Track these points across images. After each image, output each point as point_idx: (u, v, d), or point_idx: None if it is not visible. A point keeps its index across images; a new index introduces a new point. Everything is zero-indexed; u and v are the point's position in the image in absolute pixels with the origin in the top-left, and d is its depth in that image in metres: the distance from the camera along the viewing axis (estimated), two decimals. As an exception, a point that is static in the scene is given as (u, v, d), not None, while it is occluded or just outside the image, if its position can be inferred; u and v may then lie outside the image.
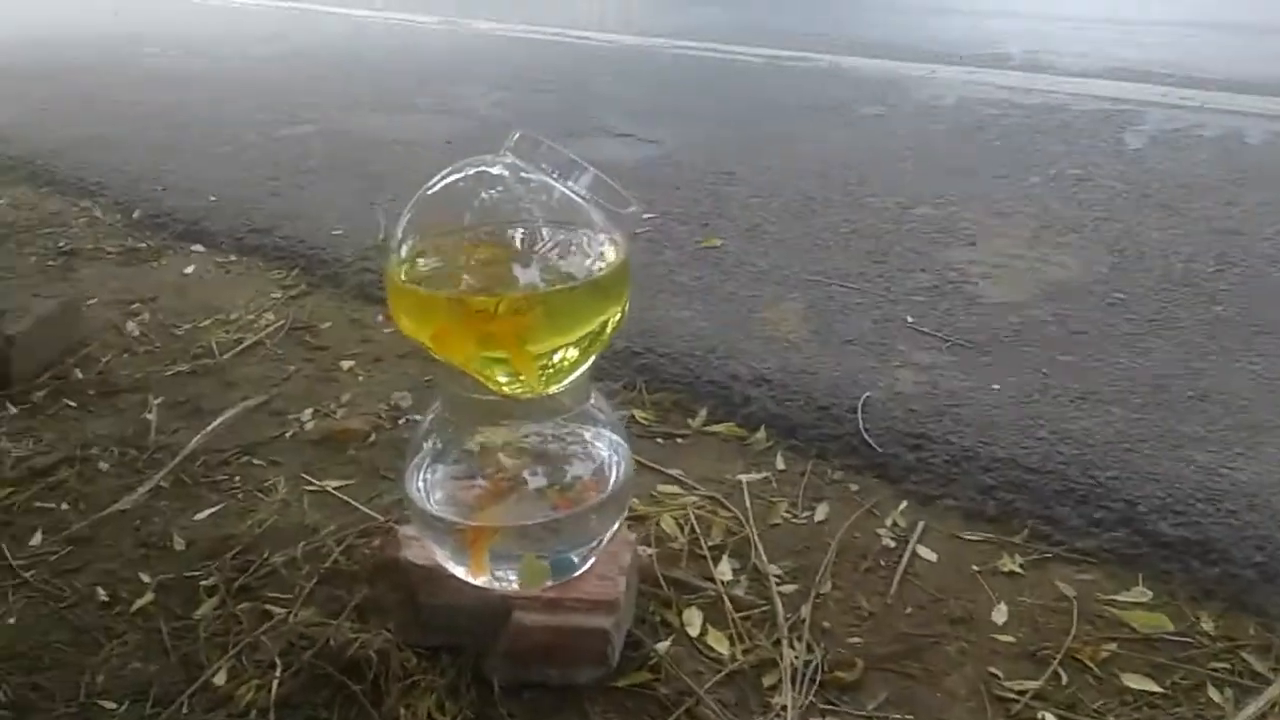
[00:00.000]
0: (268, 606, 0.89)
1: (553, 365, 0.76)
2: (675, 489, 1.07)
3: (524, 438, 0.84)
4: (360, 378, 1.32)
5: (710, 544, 0.98)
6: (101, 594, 0.91)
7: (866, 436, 1.15)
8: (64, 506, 1.05)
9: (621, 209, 0.75)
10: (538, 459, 0.83)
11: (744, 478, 1.09)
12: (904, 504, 1.05)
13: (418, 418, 1.19)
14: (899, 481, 1.09)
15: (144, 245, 1.83)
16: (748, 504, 1.04)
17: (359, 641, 0.79)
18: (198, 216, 1.95)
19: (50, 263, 1.75)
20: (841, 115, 2.70)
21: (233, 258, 1.77)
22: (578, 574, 0.82)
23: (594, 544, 0.82)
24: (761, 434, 1.18)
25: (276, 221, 1.90)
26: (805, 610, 0.88)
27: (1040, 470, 1.08)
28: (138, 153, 2.43)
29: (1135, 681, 0.82)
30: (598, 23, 4.38)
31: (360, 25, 4.62)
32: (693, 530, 0.99)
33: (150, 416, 1.22)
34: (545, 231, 0.76)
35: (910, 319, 1.45)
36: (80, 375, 1.32)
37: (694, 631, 0.86)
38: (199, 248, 1.82)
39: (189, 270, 1.71)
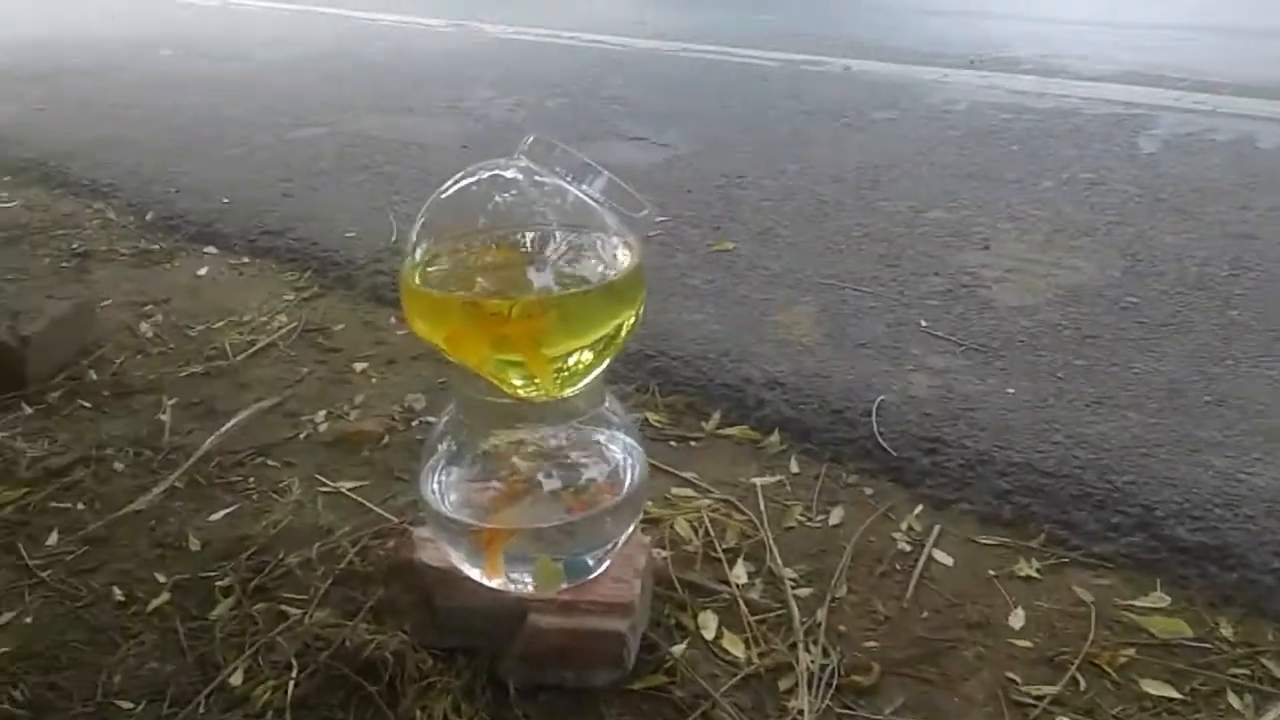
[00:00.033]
0: (283, 607, 0.89)
1: (567, 368, 0.76)
2: (689, 492, 1.07)
3: (538, 440, 0.84)
4: (373, 380, 1.32)
5: (725, 547, 0.97)
6: (118, 594, 0.92)
7: (881, 440, 1.15)
8: (80, 506, 1.05)
9: (635, 212, 0.75)
10: (552, 462, 0.83)
11: (758, 481, 1.09)
12: (919, 508, 1.04)
13: (431, 420, 1.19)
14: (914, 485, 1.08)
15: (157, 247, 1.83)
16: (762, 507, 1.04)
17: (375, 643, 0.79)
18: (210, 218, 1.95)
19: (64, 264, 1.75)
20: (854, 119, 2.69)
21: (245, 260, 1.77)
22: (592, 577, 0.81)
23: (609, 547, 0.82)
24: (775, 437, 1.18)
25: (289, 223, 1.91)
26: (821, 614, 0.88)
27: (1056, 475, 1.08)
28: (150, 155, 2.44)
29: (1154, 687, 0.81)
30: (610, 26, 4.38)
31: (367, 28, 4.63)
32: (707, 533, 0.99)
33: (164, 417, 1.22)
34: (559, 235, 0.76)
35: (924, 323, 1.45)
36: (95, 376, 1.33)
37: (709, 635, 0.86)
38: (212, 249, 1.82)
39: (202, 272, 1.72)
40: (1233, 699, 0.80)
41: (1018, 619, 0.89)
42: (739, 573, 0.94)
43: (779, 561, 0.95)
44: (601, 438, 0.85)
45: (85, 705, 0.80)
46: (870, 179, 2.14)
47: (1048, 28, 4.23)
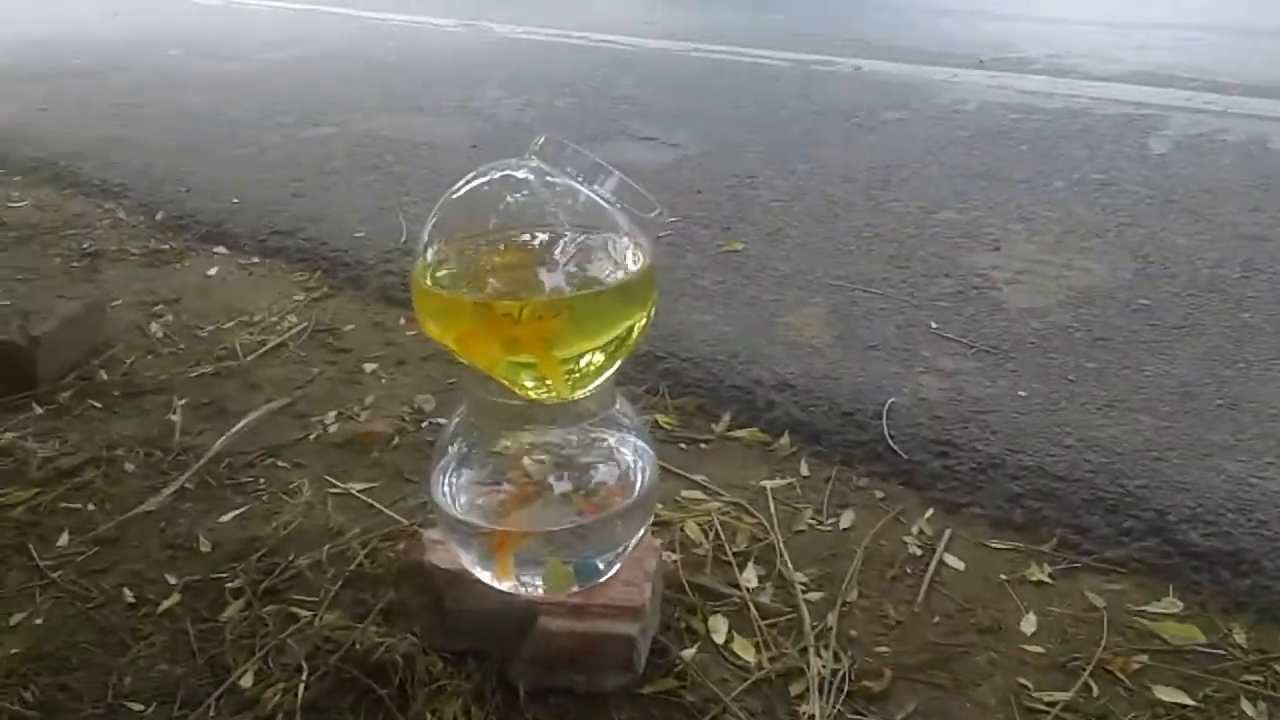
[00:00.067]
0: (293, 609, 0.89)
1: (579, 370, 0.76)
2: (699, 495, 1.07)
3: (549, 443, 0.83)
4: (383, 380, 1.32)
5: (735, 550, 0.97)
6: (128, 595, 0.92)
7: (891, 443, 1.15)
8: (90, 507, 1.05)
9: (646, 213, 0.75)
10: (563, 464, 0.83)
11: (768, 484, 1.08)
12: (930, 511, 1.04)
13: (441, 421, 1.19)
14: (925, 489, 1.08)
15: (167, 247, 1.83)
16: (772, 510, 1.04)
17: (385, 645, 0.79)
18: (220, 218, 1.96)
19: (74, 264, 1.76)
20: (864, 120, 2.69)
21: (255, 260, 1.77)
22: (603, 580, 0.81)
23: (619, 549, 0.81)
24: (785, 440, 1.17)
25: (299, 224, 1.91)
26: (832, 618, 0.88)
27: (1068, 478, 1.07)
28: (159, 154, 2.45)
29: (1167, 694, 0.81)
30: (619, 26, 4.37)
31: (376, 27, 4.63)
32: (717, 536, 0.99)
33: (175, 418, 1.22)
34: (571, 235, 0.76)
35: (934, 324, 1.44)
36: (105, 376, 1.33)
37: (720, 639, 0.85)
38: (222, 249, 1.82)
39: (212, 272, 1.72)
40: (1246, 706, 0.80)
41: (1029, 624, 0.88)
42: (749, 576, 0.94)
43: (789, 565, 0.95)
44: (612, 440, 0.85)
45: (96, 707, 0.80)
46: (880, 179, 2.14)
47: (1055, 28, 4.22)
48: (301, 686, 0.79)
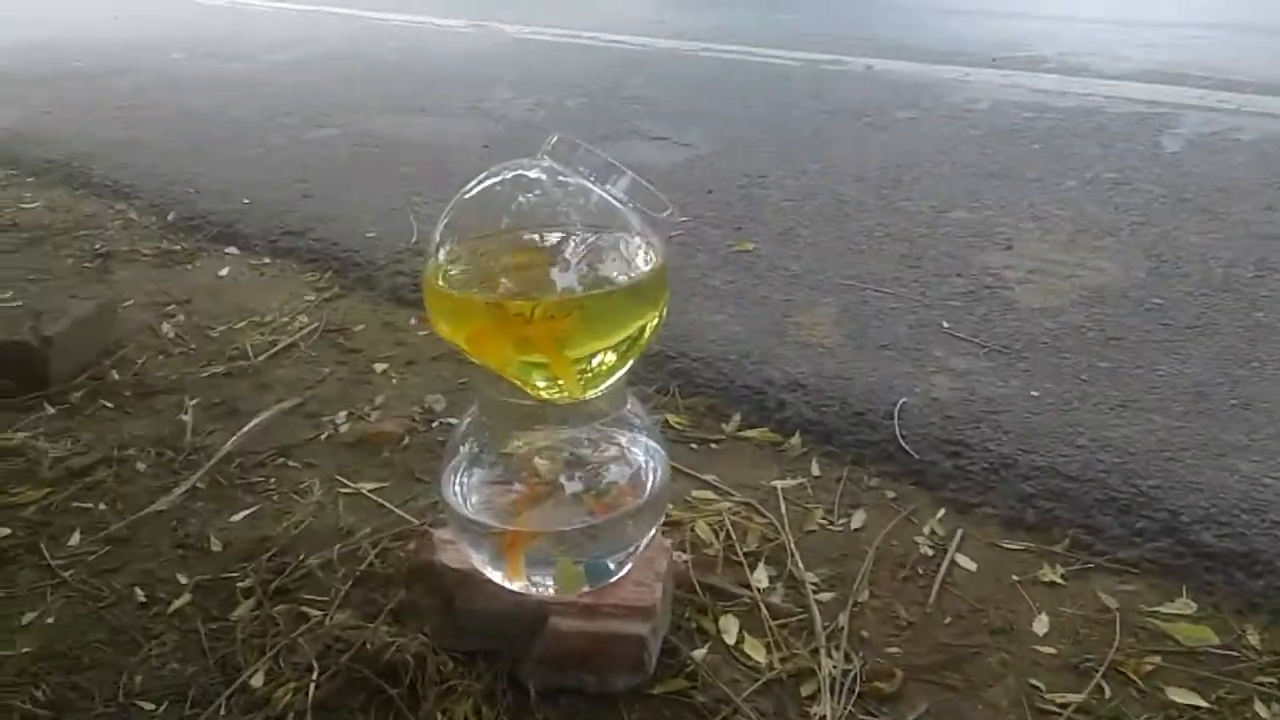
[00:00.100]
0: (304, 609, 0.89)
1: (591, 370, 0.76)
2: (710, 494, 1.06)
3: (560, 442, 0.83)
4: (394, 380, 1.33)
5: (746, 550, 0.97)
6: (139, 594, 0.92)
7: (903, 443, 1.14)
8: (102, 507, 1.06)
9: (658, 212, 0.74)
10: (574, 464, 0.83)
11: (779, 484, 1.08)
12: (942, 512, 1.03)
13: (452, 421, 1.19)
14: (937, 489, 1.07)
15: (179, 247, 1.84)
16: (783, 510, 1.03)
17: (395, 645, 0.79)
18: (231, 219, 1.96)
19: (86, 264, 1.76)
20: (875, 119, 2.68)
21: (266, 260, 1.78)
22: (613, 580, 0.81)
23: (631, 550, 0.81)
24: (796, 440, 1.17)
25: (309, 224, 1.91)
26: (843, 619, 0.87)
27: (1081, 479, 1.07)
28: (169, 156, 2.46)
29: (1180, 695, 0.80)
30: (629, 26, 4.37)
31: (379, 28, 4.64)
32: (728, 536, 0.99)
33: (186, 418, 1.22)
34: (583, 235, 0.76)
35: (946, 324, 1.44)
36: (117, 376, 1.33)
37: (730, 639, 0.85)
38: (233, 250, 1.83)
39: (223, 272, 1.72)
40: (1260, 708, 0.79)
41: (1042, 625, 0.88)
42: (760, 576, 0.93)
43: (800, 565, 0.95)
44: (623, 440, 0.85)
45: (107, 706, 0.80)
46: (892, 179, 2.13)
47: (1064, 26, 4.20)
48: (312, 686, 0.79)
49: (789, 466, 1.13)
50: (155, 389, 1.30)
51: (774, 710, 0.79)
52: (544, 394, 0.76)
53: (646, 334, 0.76)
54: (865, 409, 1.21)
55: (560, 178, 0.75)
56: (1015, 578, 0.94)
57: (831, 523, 1.02)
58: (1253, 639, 0.86)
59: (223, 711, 0.78)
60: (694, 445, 1.17)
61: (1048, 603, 0.90)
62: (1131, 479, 1.06)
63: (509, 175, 0.77)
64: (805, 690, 0.80)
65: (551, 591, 0.80)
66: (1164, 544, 0.97)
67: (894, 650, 0.85)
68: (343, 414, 1.23)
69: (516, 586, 0.80)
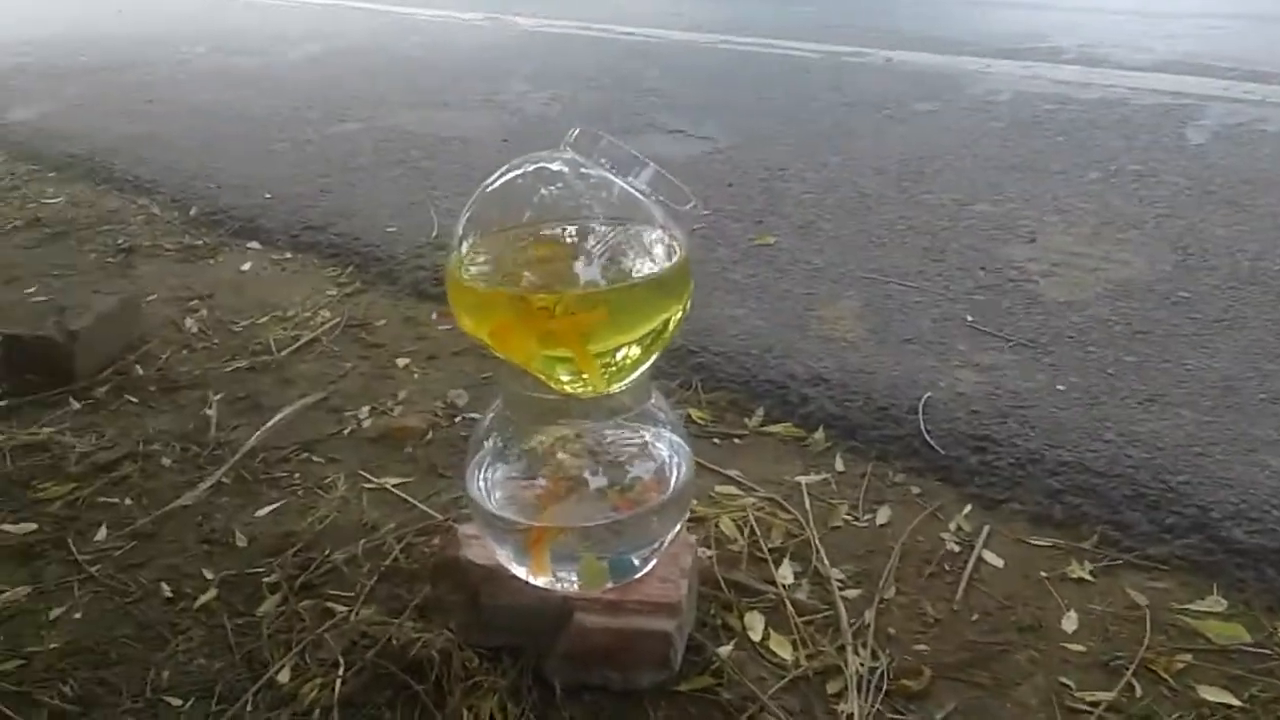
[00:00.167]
0: (329, 604, 0.89)
1: (615, 364, 0.75)
2: (733, 490, 1.06)
3: (584, 437, 0.83)
4: (416, 375, 1.33)
5: (770, 546, 0.96)
6: (166, 590, 0.92)
7: (928, 438, 1.13)
8: (128, 502, 1.06)
9: (681, 205, 0.74)
10: (598, 459, 0.82)
11: (803, 479, 1.08)
12: (968, 508, 1.03)
13: (475, 415, 1.19)
14: (963, 485, 1.07)
15: (201, 242, 1.85)
16: (808, 506, 1.03)
17: (421, 641, 0.79)
18: (253, 214, 1.97)
19: (110, 260, 1.77)
20: (895, 111, 2.66)
21: (288, 255, 1.78)
22: (638, 576, 0.81)
23: (655, 545, 0.81)
24: (820, 434, 1.16)
25: (330, 219, 1.92)
26: (869, 616, 0.87)
27: (1109, 474, 1.06)
28: (190, 151, 2.47)
29: (1212, 694, 0.79)
30: (646, 18, 4.36)
31: (401, 22, 4.64)
32: (752, 532, 0.98)
33: (210, 413, 1.23)
34: (606, 228, 0.75)
35: (970, 318, 1.43)
36: (141, 371, 1.34)
37: (756, 636, 0.85)
38: (255, 245, 1.84)
39: (246, 267, 1.73)
40: (1294, 706, 0.78)
41: (1070, 622, 0.87)
42: (785, 573, 0.93)
43: (825, 562, 0.94)
44: (648, 435, 0.85)
45: (134, 701, 0.80)
46: (914, 171, 2.12)
47: (1086, 17, 4.16)
48: (338, 682, 0.79)
49: (813, 462, 1.12)
50: (179, 384, 1.31)
51: (800, 708, 0.78)
52: (568, 388, 0.76)
53: (671, 327, 0.76)
54: (889, 404, 1.20)
55: (582, 170, 0.74)
56: (1043, 574, 0.93)
57: (857, 519, 1.01)
58: (1285, 637, 0.85)
59: (249, 707, 0.79)
60: (717, 440, 1.16)
61: (1076, 600, 0.89)
62: (1160, 474, 1.05)
63: (531, 168, 0.76)
64: (832, 688, 0.80)
65: (576, 587, 0.80)
66: (1194, 540, 0.96)
67: (921, 648, 0.84)
68: (365, 409, 1.23)
69: (541, 582, 0.80)
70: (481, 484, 0.82)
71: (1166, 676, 0.81)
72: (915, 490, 1.06)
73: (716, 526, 0.99)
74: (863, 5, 4.74)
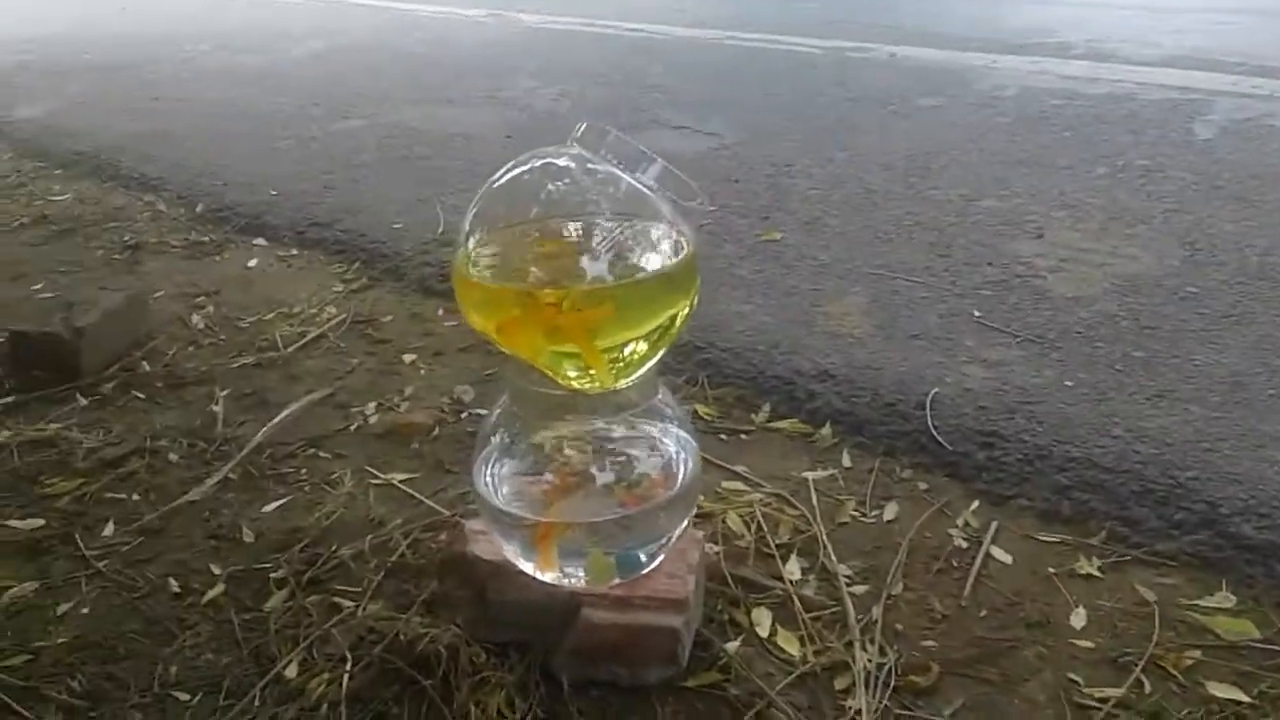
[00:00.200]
0: (337, 599, 0.89)
1: (622, 359, 0.75)
2: (740, 486, 1.06)
3: (591, 433, 0.83)
4: (422, 371, 1.32)
5: (777, 542, 0.96)
6: (173, 585, 0.92)
7: (936, 434, 1.13)
8: (135, 497, 1.06)
9: (689, 200, 0.74)
10: (605, 455, 0.82)
11: (810, 475, 1.07)
12: (976, 504, 1.02)
13: (481, 411, 1.19)
14: (970, 480, 1.06)
15: (207, 239, 1.85)
16: (815, 502, 1.02)
17: (428, 636, 0.79)
18: (259, 210, 1.97)
19: (116, 256, 1.78)
20: (901, 107, 2.66)
21: (294, 251, 1.78)
22: (645, 572, 0.81)
23: (662, 541, 0.81)
24: (827, 430, 1.16)
25: (336, 215, 1.92)
26: (877, 612, 0.87)
27: (1117, 470, 1.05)
28: (196, 148, 2.47)
29: (1221, 690, 0.79)
30: (649, 14, 4.36)
31: (400, 18, 4.64)
32: (759, 528, 0.98)
33: (217, 408, 1.23)
34: (613, 223, 0.75)
35: (977, 313, 1.42)
36: (148, 367, 1.34)
37: (763, 632, 0.85)
38: (261, 241, 1.84)
39: (252, 264, 1.73)
40: (1305, 702, 0.78)
41: (1079, 618, 0.87)
42: (792, 569, 0.93)
43: (833, 558, 0.94)
44: (655, 430, 0.84)
45: (143, 696, 0.80)
46: (920, 167, 2.11)
47: (1093, 12, 4.15)
48: (346, 677, 0.79)
49: (820, 458, 1.12)
50: (186, 380, 1.31)
51: (808, 703, 0.78)
52: (575, 384, 0.76)
53: (678, 323, 0.76)
54: (896, 399, 1.20)
55: (589, 165, 0.74)
56: (1051, 570, 0.93)
57: (864, 514, 1.01)
58: (1294, 633, 0.85)
59: (257, 702, 0.79)
60: (723, 436, 1.16)
61: (1085, 596, 0.89)
62: (1169, 470, 1.05)
63: (538, 163, 0.76)
64: (839, 684, 0.80)
65: (583, 583, 0.79)
66: (1203, 536, 0.96)
67: (929, 644, 0.84)
68: (372, 405, 1.23)
69: (548, 578, 0.80)
70: (489, 479, 0.82)
71: (1175, 673, 0.81)
72: (923, 486, 1.06)
73: (723, 522, 0.99)
74: (865, 1, 4.73)
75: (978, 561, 0.93)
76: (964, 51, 3.32)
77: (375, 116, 2.74)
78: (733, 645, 0.83)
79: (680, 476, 0.81)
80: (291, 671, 0.81)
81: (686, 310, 0.76)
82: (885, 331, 1.38)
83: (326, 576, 0.92)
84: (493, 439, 0.83)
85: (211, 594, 0.91)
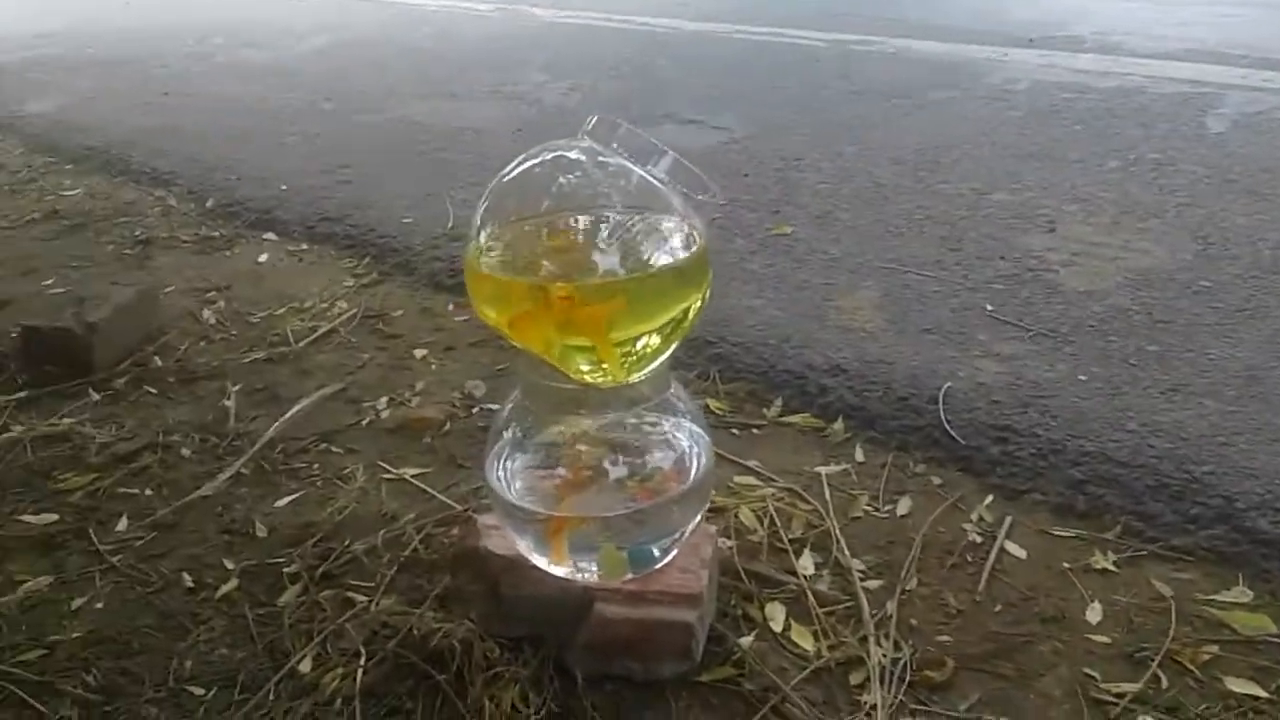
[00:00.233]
0: (350, 594, 0.89)
1: (635, 353, 0.75)
2: (753, 480, 1.05)
3: (604, 427, 0.83)
4: (433, 366, 1.32)
5: (791, 537, 0.96)
6: (187, 580, 0.93)
7: (949, 428, 1.13)
8: (148, 492, 1.06)
9: (701, 193, 0.73)
10: (618, 449, 0.82)
11: (823, 470, 1.07)
12: (990, 498, 1.02)
13: (492, 406, 1.19)
14: (984, 475, 1.06)
15: (218, 234, 1.85)
16: (828, 496, 1.02)
17: (442, 631, 0.79)
18: (270, 205, 1.97)
19: (127, 251, 1.78)
20: (911, 100, 2.65)
21: (305, 246, 1.78)
22: (658, 567, 0.80)
23: (676, 536, 0.81)
24: (839, 425, 1.16)
25: (347, 210, 1.92)
26: (891, 607, 0.86)
27: (1132, 464, 1.05)
28: (206, 142, 2.47)
29: (1239, 685, 0.78)
30: (657, 8, 4.34)
31: (407, 13, 4.63)
32: (772, 523, 0.98)
33: (229, 404, 1.23)
34: (624, 216, 0.75)
35: (990, 308, 1.42)
36: (160, 362, 1.34)
37: (777, 627, 0.84)
38: (271, 236, 1.84)
39: (263, 259, 1.73)
40: (1323, 698, 0.77)
41: (1095, 613, 0.86)
42: (806, 563, 0.92)
43: (846, 552, 0.93)
44: (667, 425, 0.84)
45: (157, 690, 0.80)
46: (930, 160, 2.11)
47: (1098, 4, 4.12)
48: (360, 671, 0.79)
49: (832, 452, 1.11)
50: (198, 375, 1.31)
51: (823, 699, 0.78)
52: (587, 378, 0.75)
53: (690, 317, 0.75)
54: (909, 394, 1.20)
55: (601, 158, 0.74)
56: (1066, 565, 0.92)
57: (877, 509, 1.01)
58: (1312, 628, 0.84)
59: (272, 697, 0.79)
60: (735, 431, 1.16)
61: (1100, 591, 0.89)
62: (1184, 465, 1.04)
63: (549, 157, 0.76)
64: (854, 679, 0.80)
65: (596, 578, 0.79)
66: (1219, 531, 0.95)
67: (944, 638, 0.84)
68: (383, 400, 1.23)
69: (561, 572, 0.80)
70: (501, 474, 0.81)
71: (1192, 668, 0.80)
72: (936, 481, 1.06)
73: (736, 517, 0.98)
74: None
75: (992, 556, 0.93)
76: (973, 45, 3.30)
77: (383, 111, 2.74)
78: (747, 640, 0.82)
79: (693, 471, 0.81)
80: (306, 666, 0.81)
81: (699, 303, 0.75)
82: (897, 326, 1.38)
83: (340, 571, 0.92)
84: (505, 434, 0.83)
85: (225, 589, 0.91)
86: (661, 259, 0.73)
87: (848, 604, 0.87)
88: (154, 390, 1.27)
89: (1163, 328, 1.34)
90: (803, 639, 0.83)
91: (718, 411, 1.19)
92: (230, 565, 0.94)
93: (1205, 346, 1.29)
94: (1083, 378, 1.22)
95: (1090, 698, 0.78)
